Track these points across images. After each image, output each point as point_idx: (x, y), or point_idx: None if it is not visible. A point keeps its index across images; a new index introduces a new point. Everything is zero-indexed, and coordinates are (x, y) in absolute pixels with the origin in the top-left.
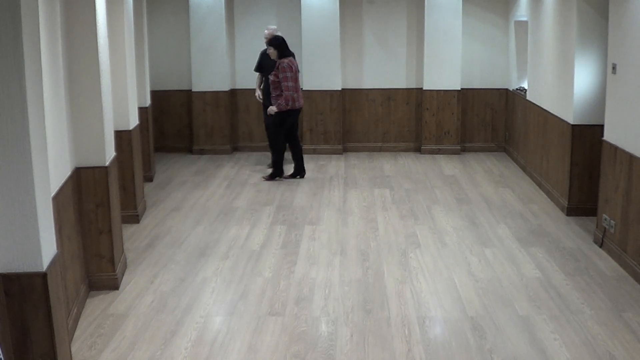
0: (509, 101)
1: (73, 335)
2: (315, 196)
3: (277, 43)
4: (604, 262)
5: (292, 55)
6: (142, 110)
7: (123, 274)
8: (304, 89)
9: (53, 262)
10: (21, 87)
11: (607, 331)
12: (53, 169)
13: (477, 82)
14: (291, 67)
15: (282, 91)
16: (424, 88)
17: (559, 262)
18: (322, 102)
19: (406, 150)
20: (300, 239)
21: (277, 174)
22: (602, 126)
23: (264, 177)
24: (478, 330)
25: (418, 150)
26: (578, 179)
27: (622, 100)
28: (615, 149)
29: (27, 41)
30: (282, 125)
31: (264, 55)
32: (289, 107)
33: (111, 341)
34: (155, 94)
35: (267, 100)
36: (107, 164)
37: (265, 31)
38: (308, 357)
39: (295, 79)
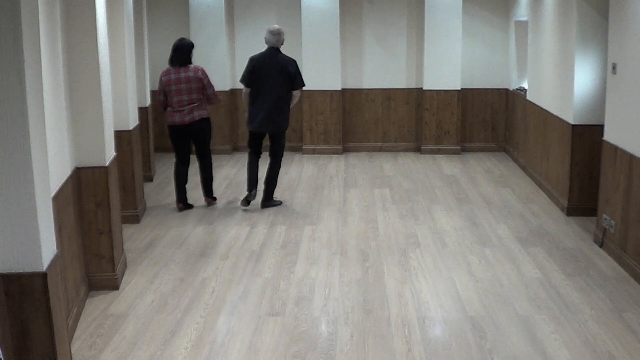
0: (509, 101)
1: (73, 335)
2: (315, 196)
3: None
4: (604, 262)
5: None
6: (142, 110)
7: (123, 274)
8: (304, 88)
9: (53, 262)
10: (21, 87)
11: (607, 331)
12: (53, 169)
13: (477, 82)
14: None
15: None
16: (424, 88)
17: (559, 262)
18: (322, 102)
19: (406, 150)
20: (300, 239)
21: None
22: (602, 126)
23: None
24: (478, 330)
25: (418, 150)
26: (578, 179)
27: (622, 100)
28: (615, 149)
29: (27, 41)
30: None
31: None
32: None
33: (111, 341)
34: (155, 94)
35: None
36: (107, 164)
37: (280, 36)
38: (308, 357)
39: None
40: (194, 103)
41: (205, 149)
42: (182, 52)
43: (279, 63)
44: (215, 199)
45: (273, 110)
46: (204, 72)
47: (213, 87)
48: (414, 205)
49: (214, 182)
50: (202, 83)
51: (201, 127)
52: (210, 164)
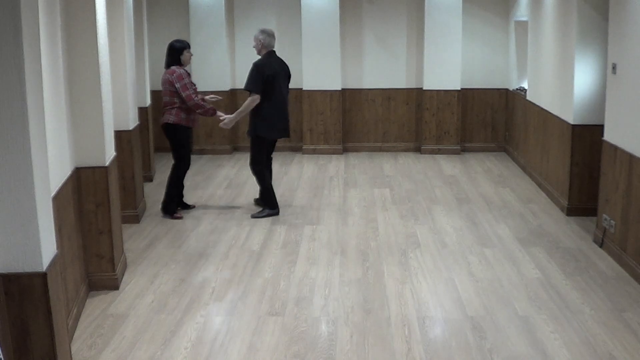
0: (509, 101)
1: (73, 335)
2: (315, 196)
3: None
4: (604, 262)
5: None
6: (142, 110)
7: (123, 274)
8: (304, 89)
9: (53, 262)
10: (21, 87)
11: (607, 331)
12: (53, 169)
13: (477, 82)
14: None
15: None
16: (424, 88)
17: (559, 262)
18: (322, 102)
19: (406, 150)
20: (300, 239)
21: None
22: (602, 126)
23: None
24: (478, 330)
25: (418, 150)
26: (578, 179)
27: (622, 100)
28: (615, 149)
29: (27, 41)
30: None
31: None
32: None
33: (111, 341)
34: (155, 94)
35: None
36: (107, 164)
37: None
38: (308, 357)
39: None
40: (166, 106)
41: (174, 156)
42: (168, 54)
43: (283, 66)
44: (173, 212)
45: (287, 115)
46: (179, 75)
47: (188, 91)
48: (414, 205)
49: (212, 187)
50: (174, 87)
51: (166, 132)
52: (174, 174)
